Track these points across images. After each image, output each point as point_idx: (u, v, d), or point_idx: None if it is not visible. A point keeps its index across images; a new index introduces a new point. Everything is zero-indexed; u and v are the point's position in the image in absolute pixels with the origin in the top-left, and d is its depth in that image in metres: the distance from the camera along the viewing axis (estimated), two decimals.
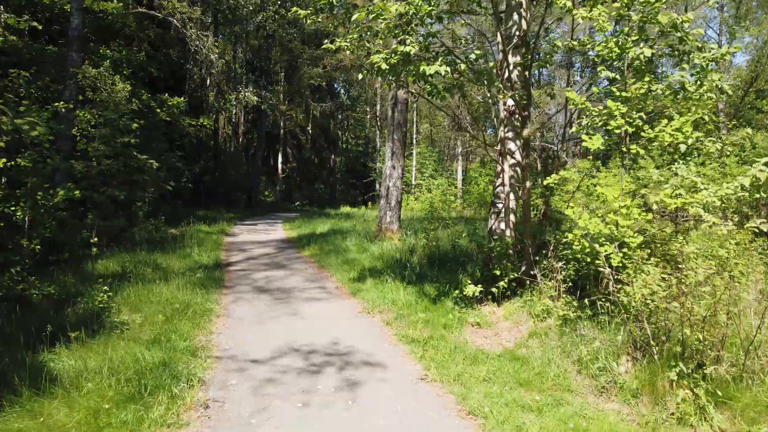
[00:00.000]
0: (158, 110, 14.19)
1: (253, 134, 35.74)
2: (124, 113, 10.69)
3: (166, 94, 14.35)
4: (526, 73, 6.59)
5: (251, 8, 19.30)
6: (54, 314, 5.56)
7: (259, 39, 28.11)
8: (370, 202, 30.33)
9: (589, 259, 4.70)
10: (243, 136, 37.44)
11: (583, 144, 4.56)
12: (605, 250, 4.46)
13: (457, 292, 6.47)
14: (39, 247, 7.37)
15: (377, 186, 35.04)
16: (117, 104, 10.79)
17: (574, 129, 5.23)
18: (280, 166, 32.53)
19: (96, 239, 8.48)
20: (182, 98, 14.38)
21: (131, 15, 12.72)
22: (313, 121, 35.31)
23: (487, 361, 4.77)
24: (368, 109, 40.30)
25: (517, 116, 6.73)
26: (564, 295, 5.99)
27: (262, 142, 28.06)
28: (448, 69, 5.41)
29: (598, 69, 5.35)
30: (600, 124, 4.69)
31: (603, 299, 4.99)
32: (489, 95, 6.86)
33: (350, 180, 41.38)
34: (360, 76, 6.22)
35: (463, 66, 6.14)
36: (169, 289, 7.00)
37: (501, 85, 6.18)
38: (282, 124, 32.27)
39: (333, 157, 37.51)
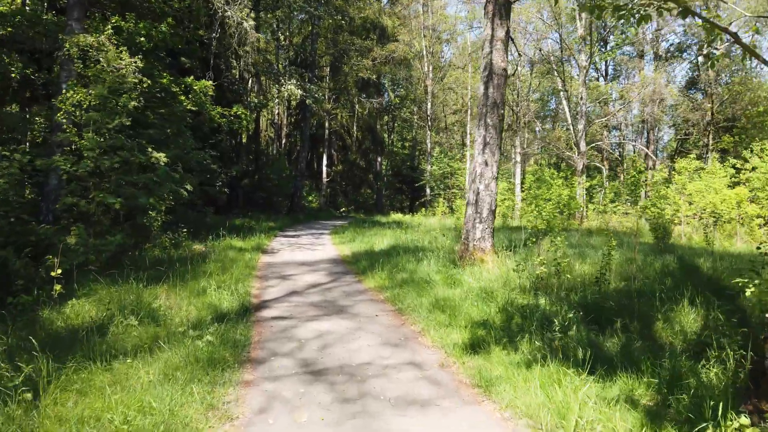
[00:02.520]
0: (182, 98, 11.17)
1: (296, 137, 32.95)
2: (123, 89, 7.60)
3: (191, 77, 11.29)
4: None
5: None
6: None
7: (304, 31, 25.19)
8: (423, 209, 26.75)
9: None
10: (286, 139, 34.76)
11: None
12: None
13: (742, 422, 2.83)
14: None
15: (427, 191, 31.46)
16: (118, 80, 7.70)
17: None
18: (324, 169, 29.46)
19: (59, 271, 5.33)
20: (210, 81, 11.28)
21: None
22: (359, 121, 32.17)
23: None
24: (416, 109, 36.85)
25: None
26: None
27: (305, 143, 25.01)
28: None
29: None
30: None
31: None
32: None
33: (396, 185, 37.98)
34: None
35: None
36: (149, 375, 3.70)
37: None
38: (327, 124, 29.21)
39: (379, 160, 34.20)
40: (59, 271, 5.34)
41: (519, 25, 24.31)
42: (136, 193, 8.03)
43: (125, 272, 7.08)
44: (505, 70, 8.63)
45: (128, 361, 3.95)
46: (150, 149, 8.42)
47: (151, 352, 4.23)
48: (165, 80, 10.67)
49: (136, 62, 8.80)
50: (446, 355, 4.64)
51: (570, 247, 9.81)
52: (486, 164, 8.65)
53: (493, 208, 8.79)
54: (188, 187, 8.53)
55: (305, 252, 11.00)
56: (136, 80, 7.93)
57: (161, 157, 7.61)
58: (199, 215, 12.53)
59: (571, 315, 5.03)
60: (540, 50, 19.91)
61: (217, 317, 5.39)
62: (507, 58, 8.69)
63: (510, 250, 9.18)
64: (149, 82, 8.73)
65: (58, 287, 5.34)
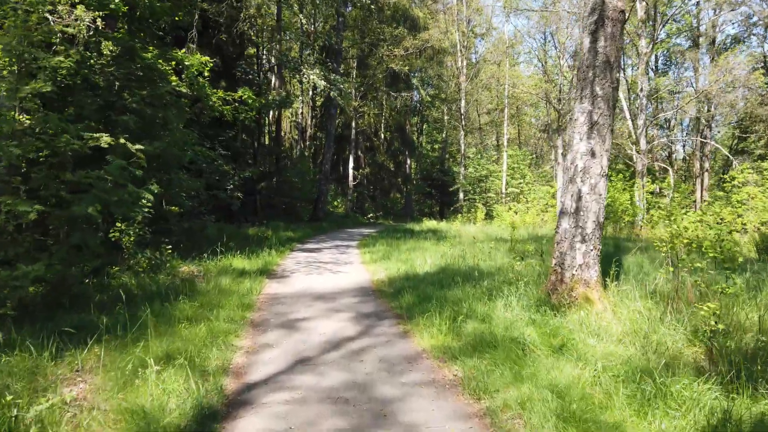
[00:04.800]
0: (173, 78, 8.51)
1: (321, 139, 30.33)
2: (52, 42, 4.91)
3: (183, 50, 8.59)
4: None
5: None
6: None
7: (331, 21, 22.51)
8: (458, 215, 23.65)
9: None
10: (310, 141, 32.23)
11: None
12: None
13: None
14: None
15: (461, 195, 28.34)
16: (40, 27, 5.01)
17: None
18: (351, 172, 26.67)
19: None
20: (209, 57, 8.59)
21: None
22: (387, 120, 29.31)
23: None
24: (446, 108, 33.79)
25: None
26: None
27: (330, 143, 22.26)
28: None
29: None
30: None
31: None
32: None
33: (426, 189, 34.90)
34: None
35: None
36: None
37: None
38: (354, 124, 26.43)
39: (409, 162, 31.22)
40: None
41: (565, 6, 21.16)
42: (88, 197, 5.32)
43: (54, 318, 4.40)
44: (622, 12, 5.58)
45: None
46: (120, 138, 5.72)
47: None
48: (149, 54, 8.02)
49: (95, 19, 6.15)
50: None
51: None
52: (593, 155, 5.61)
53: (602, 219, 5.74)
54: (153, 188, 5.76)
55: (326, 276, 8.12)
56: (74, 30, 5.23)
57: (104, 138, 4.87)
58: (196, 225, 9.82)
59: None
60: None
61: None
62: None
63: (613, 279, 6.10)
64: (109, 44, 6.02)
65: None
